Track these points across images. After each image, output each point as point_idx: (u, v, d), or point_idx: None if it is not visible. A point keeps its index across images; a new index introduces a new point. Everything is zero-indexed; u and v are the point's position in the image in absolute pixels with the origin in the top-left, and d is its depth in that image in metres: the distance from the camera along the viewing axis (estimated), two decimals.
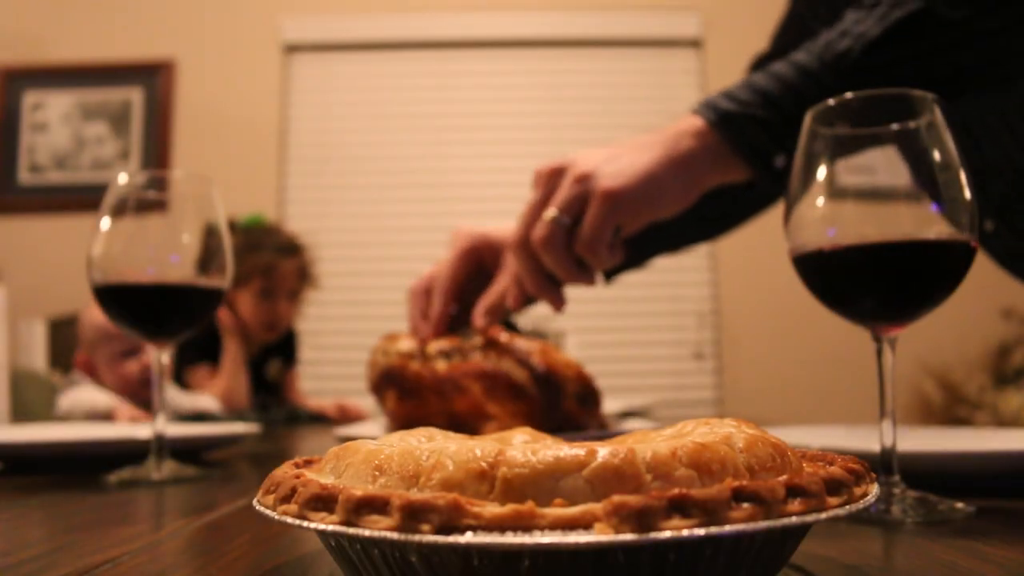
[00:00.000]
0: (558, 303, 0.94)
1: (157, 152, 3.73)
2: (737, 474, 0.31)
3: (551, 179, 0.89)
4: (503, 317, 0.98)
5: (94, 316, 2.02)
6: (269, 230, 2.49)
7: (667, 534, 0.27)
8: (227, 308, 2.37)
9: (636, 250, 1.11)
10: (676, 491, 0.28)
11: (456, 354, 0.96)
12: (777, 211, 0.65)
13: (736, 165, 0.86)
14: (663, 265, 3.81)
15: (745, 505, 0.29)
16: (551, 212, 0.87)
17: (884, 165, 0.59)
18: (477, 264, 1.04)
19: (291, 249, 2.50)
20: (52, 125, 3.78)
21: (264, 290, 2.40)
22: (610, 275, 1.17)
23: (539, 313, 3.21)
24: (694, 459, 0.31)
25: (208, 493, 0.70)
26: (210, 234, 0.87)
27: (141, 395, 2.06)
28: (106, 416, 1.87)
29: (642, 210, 0.86)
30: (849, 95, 0.60)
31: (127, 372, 2.07)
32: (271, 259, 2.40)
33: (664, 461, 0.30)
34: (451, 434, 0.41)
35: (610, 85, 3.75)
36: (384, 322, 3.35)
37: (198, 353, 2.38)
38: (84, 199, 3.56)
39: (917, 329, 0.61)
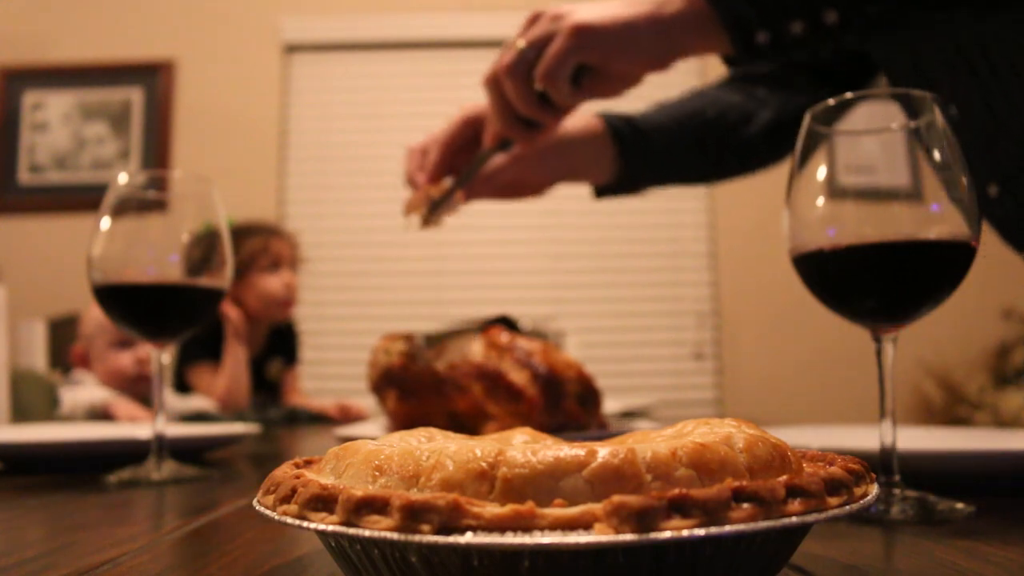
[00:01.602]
0: (524, 139, 0.96)
1: (157, 152, 3.73)
2: (737, 474, 0.31)
3: (532, 21, 0.90)
4: (483, 160, 1.01)
5: (94, 309, 2.03)
6: (246, 224, 2.54)
7: (667, 534, 0.27)
8: (235, 306, 2.38)
9: (630, 173, 1.13)
10: (676, 491, 0.28)
11: (449, 343, 0.96)
12: (777, 210, 0.65)
13: (718, 36, 0.84)
14: (663, 265, 3.81)
15: (745, 505, 0.29)
16: (519, 42, 0.88)
17: (884, 165, 0.59)
18: (473, 131, 1.07)
19: (274, 230, 2.64)
20: (52, 125, 3.78)
21: (270, 264, 2.49)
22: (601, 192, 1.15)
23: (540, 314, 3.20)
24: (694, 459, 0.31)
25: (208, 493, 0.70)
26: (197, 242, 0.87)
27: (135, 388, 2.06)
28: (103, 411, 1.86)
29: (610, 53, 0.85)
30: (849, 95, 0.60)
31: (120, 364, 2.07)
32: (262, 238, 2.51)
33: (664, 461, 0.30)
34: (451, 434, 0.41)
35: None
36: (384, 322, 3.35)
37: (200, 351, 2.39)
38: (84, 199, 3.56)
39: (917, 329, 0.61)
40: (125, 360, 2.07)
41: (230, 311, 2.34)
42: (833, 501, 0.31)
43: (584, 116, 1.11)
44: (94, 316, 2.10)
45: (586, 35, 0.84)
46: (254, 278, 2.45)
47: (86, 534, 0.50)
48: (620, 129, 1.13)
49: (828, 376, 3.41)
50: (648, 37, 0.84)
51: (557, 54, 0.85)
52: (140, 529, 0.53)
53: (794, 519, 0.29)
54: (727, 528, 0.28)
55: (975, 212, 0.57)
